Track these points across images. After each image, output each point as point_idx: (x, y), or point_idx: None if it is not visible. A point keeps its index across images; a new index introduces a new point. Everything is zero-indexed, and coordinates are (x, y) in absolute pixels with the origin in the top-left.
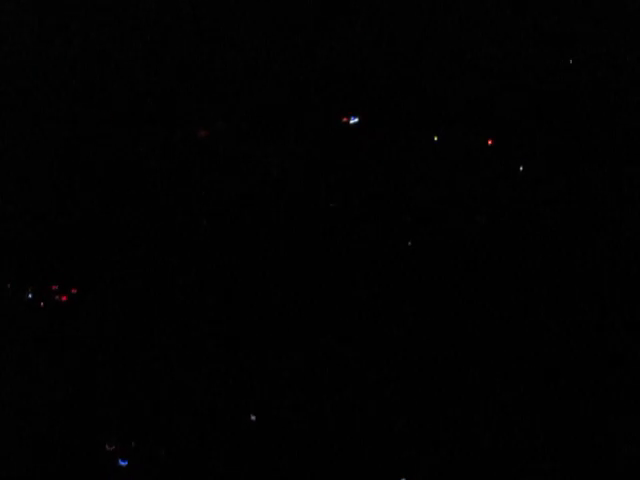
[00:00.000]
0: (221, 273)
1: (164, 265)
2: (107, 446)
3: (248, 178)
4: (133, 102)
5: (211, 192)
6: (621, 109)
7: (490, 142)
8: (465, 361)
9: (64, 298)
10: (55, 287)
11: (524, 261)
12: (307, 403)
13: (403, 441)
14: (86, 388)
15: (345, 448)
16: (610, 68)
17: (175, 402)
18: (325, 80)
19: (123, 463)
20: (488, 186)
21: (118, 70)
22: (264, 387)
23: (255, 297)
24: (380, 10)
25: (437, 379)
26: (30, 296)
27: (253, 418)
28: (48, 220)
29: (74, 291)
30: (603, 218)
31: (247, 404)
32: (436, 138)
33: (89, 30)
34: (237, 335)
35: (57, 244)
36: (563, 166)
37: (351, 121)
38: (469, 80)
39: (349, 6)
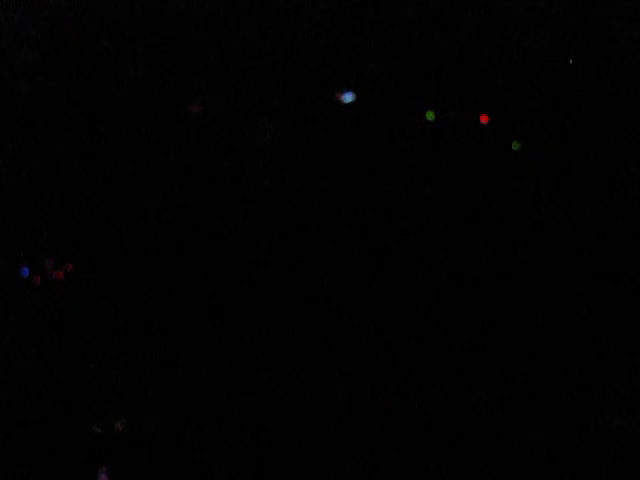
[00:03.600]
0: (220, 272)
1: (163, 265)
2: (95, 427)
3: (246, 173)
4: (133, 102)
5: (212, 188)
6: (621, 109)
7: (483, 121)
8: (465, 360)
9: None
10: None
11: (524, 261)
12: (307, 403)
13: (402, 441)
14: (81, 380)
15: (344, 447)
16: (610, 68)
17: (174, 400)
18: (323, 74)
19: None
20: (488, 185)
21: (118, 70)
22: (264, 386)
23: (255, 297)
24: (380, 10)
25: (437, 379)
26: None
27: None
28: (48, 219)
29: (71, 275)
30: (603, 218)
31: (247, 403)
32: (430, 117)
33: (89, 30)
34: (237, 335)
35: (55, 244)
36: (563, 165)
37: (344, 99)
38: (469, 79)
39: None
